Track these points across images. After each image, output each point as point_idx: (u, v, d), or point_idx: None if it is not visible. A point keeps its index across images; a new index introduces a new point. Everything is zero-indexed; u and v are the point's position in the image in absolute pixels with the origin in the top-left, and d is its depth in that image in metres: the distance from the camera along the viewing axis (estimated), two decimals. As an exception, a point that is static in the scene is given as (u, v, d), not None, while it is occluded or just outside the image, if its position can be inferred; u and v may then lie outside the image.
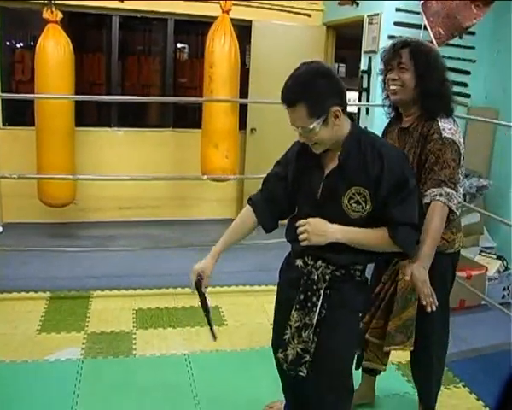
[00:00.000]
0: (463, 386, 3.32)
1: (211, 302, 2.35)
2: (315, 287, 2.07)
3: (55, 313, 3.93)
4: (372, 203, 1.98)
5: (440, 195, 2.29)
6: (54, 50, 4.90)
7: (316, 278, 2.08)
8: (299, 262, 2.16)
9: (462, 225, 2.63)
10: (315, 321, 2.07)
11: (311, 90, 1.90)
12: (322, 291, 2.07)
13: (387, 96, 2.54)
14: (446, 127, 2.36)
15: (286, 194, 2.19)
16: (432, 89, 2.36)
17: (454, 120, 2.45)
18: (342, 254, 2.04)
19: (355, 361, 2.58)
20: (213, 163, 5.13)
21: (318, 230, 1.99)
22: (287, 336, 2.16)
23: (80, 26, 6.17)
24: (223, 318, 4.02)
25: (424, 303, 2.26)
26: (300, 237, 2.01)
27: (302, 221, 2.01)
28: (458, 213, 2.48)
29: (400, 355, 3.57)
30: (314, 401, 2.22)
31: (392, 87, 2.44)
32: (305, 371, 2.11)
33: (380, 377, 3.27)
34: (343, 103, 1.97)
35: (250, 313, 4.02)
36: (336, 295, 2.08)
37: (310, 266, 2.11)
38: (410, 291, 2.50)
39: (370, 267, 2.35)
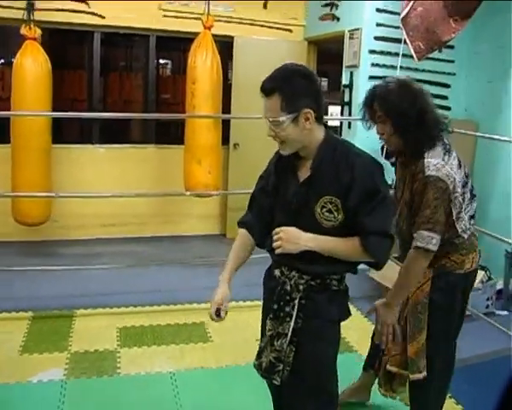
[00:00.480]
0: (450, 397, 3.31)
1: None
2: (288, 297, 2.08)
3: (38, 334, 3.87)
4: (344, 212, 1.99)
5: (416, 241, 2.35)
6: (31, 67, 4.88)
7: (289, 288, 2.09)
8: (276, 272, 2.16)
9: (477, 248, 2.61)
10: (289, 331, 2.07)
11: (288, 84, 1.94)
12: (296, 301, 2.07)
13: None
14: (431, 163, 2.34)
15: (272, 206, 2.20)
16: (410, 127, 2.36)
17: (445, 148, 2.42)
18: (316, 264, 2.04)
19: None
20: (196, 179, 5.12)
21: (292, 237, 1.99)
22: (262, 345, 2.18)
23: (61, 42, 6.17)
24: (208, 334, 3.98)
25: (377, 341, 2.39)
26: (274, 244, 2.02)
27: (277, 229, 2.02)
28: (466, 236, 2.49)
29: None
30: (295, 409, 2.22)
31: (381, 141, 2.54)
32: (279, 379, 2.11)
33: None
34: (317, 109, 1.98)
35: (235, 329, 3.99)
36: (311, 305, 2.08)
37: (284, 277, 2.11)
38: (421, 312, 2.54)
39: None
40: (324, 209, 2.00)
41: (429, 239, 2.32)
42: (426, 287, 2.54)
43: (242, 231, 2.27)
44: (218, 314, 2.18)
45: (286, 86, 1.94)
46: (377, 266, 2.11)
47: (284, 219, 2.08)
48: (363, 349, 3.82)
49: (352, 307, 4.62)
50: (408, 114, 2.34)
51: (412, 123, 2.35)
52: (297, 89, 1.95)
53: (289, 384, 2.13)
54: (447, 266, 2.49)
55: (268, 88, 1.97)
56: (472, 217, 2.55)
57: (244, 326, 4.05)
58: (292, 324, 2.07)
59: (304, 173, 2.06)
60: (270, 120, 1.99)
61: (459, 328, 2.72)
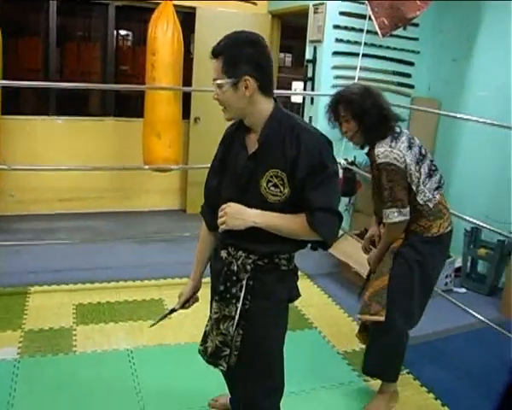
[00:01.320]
0: (408, 373, 3.35)
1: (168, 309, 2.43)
2: (235, 278, 2.03)
3: (-10, 311, 3.75)
4: (290, 187, 1.93)
5: (385, 217, 2.75)
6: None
7: (235, 268, 2.03)
8: (223, 253, 2.11)
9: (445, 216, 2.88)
10: (237, 313, 2.02)
11: (232, 49, 1.92)
12: (244, 282, 2.02)
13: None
14: (380, 152, 2.71)
15: (219, 185, 2.15)
16: (372, 122, 2.71)
17: (393, 136, 2.75)
18: (263, 244, 1.99)
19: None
20: (156, 153, 5.00)
21: (236, 213, 1.94)
22: (207, 329, 2.15)
23: (15, 9, 5.91)
24: (166, 311, 3.91)
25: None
26: (218, 221, 1.96)
27: (222, 206, 1.97)
28: (431, 205, 2.78)
29: (346, 345, 3.60)
30: (243, 394, 2.20)
31: (347, 138, 2.87)
32: (225, 364, 2.07)
33: (325, 366, 3.29)
34: (260, 79, 1.93)
35: (194, 306, 3.94)
36: (259, 285, 2.04)
37: (231, 257, 2.06)
38: (383, 264, 2.88)
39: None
40: (270, 183, 1.94)
41: (392, 214, 2.71)
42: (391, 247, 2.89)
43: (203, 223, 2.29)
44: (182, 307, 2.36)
45: (229, 51, 1.92)
46: (325, 245, 2.03)
47: (232, 194, 2.01)
48: (323, 326, 3.86)
49: (311, 284, 4.70)
50: (370, 113, 2.70)
51: (374, 120, 2.71)
52: (239, 55, 1.91)
53: (236, 367, 2.09)
54: (416, 231, 2.82)
55: (214, 51, 1.95)
56: (437, 188, 2.84)
57: (203, 303, 3.98)
58: (239, 306, 2.02)
59: (252, 147, 2.01)
60: (213, 81, 1.97)
61: (427, 296, 2.98)
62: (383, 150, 2.70)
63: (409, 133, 2.85)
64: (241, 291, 2.02)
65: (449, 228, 2.87)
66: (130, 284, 4.34)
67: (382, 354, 2.92)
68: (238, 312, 2.02)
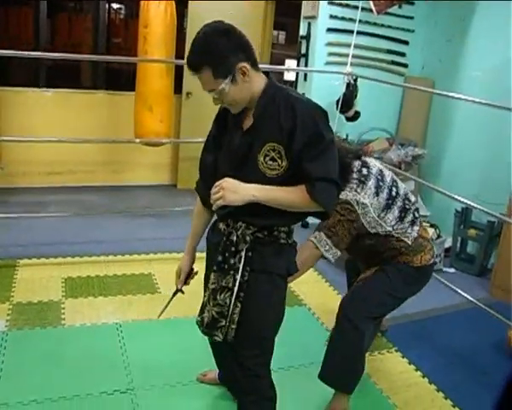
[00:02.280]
0: (396, 351, 3.38)
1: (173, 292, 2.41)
2: (234, 248, 2.02)
3: (-22, 283, 3.72)
4: (287, 159, 1.91)
5: (314, 237, 2.60)
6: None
7: (235, 238, 2.02)
8: (221, 225, 2.10)
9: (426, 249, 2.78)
10: (236, 284, 2.01)
11: (212, 51, 1.84)
12: (243, 253, 2.01)
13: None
14: (344, 194, 2.58)
15: (214, 162, 2.13)
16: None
17: (359, 180, 2.62)
18: (261, 217, 1.98)
19: None
20: (147, 127, 4.95)
21: (233, 187, 1.89)
22: (205, 299, 2.14)
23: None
24: (156, 285, 3.92)
25: None
26: (215, 196, 1.91)
27: (218, 182, 1.93)
28: (409, 241, 2.68)
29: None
30: (235, 367, 2.20)
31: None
32: (221, 336, 2.08)
33: (314, 343, 3.30)
34: (250, 58, 1.90)
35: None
36: (258, 257, 2.03)
37: (230, 228, 2.05)
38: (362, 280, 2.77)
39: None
40: (267, 158, 1.92)
41: (324, 244, 2.58)
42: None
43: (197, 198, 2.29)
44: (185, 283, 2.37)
45: (210, 55, 1.84)
46: (325, 215, 2.02)
47: (228, 170, 1.98)
48: (313, 303, 3.88)
49: (302, 261, 4.64)
50: None
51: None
52: (222, 51, 1.84)
53: (231, 342, 2.10)
54: (400, 261, 2.70)
55: (194, 65, 1.88)
56: (412, 224, 2.71)
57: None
58: (238, 277, 2.01)
59: (247, 123, 1.98)
60: (211, 92, 1.91)
61: (384, 312, 2.87)
62: (348, 193, 2.58)
63: (378, 172, 2.68)
64: (239, 262, 2.01)
65: (431, 261, 2.78)
66: (120, 258, 4.33)
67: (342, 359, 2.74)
68: (237, 284, 2.01)
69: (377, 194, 2.61)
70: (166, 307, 2.38)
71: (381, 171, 2.71)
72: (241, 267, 2.01)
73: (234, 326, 2.06)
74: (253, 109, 1.96)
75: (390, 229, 2.64)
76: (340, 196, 2.49)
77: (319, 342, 3.35)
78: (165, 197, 5.95)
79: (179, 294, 2.39)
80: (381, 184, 2.64)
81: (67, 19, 6.32)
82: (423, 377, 3.14)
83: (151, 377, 2.90)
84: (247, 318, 2.05)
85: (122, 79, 6.57)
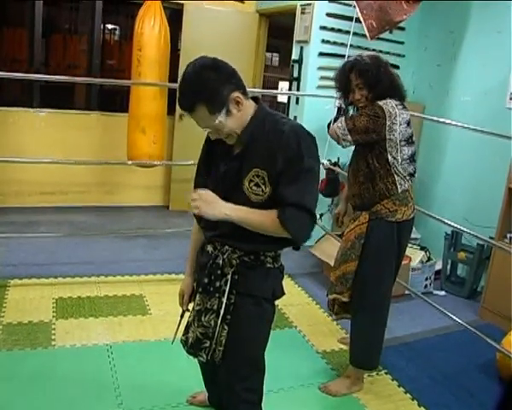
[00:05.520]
0: (386, 373, 3.39)
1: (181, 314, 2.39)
2: (219, 271, 2.03)
3: (-32, 303, 3.71)
4: (270, 185, 1.91)
5: (337, 124, 2.99)
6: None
7: (221, 262, 2.03)
8: (209, 248, 2.12)
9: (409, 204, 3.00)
10: (222, 307, 2.02)
11: (204, 87, 1.83)
12: (229, 277, 2.03)
13: (352, 104, 3.08)
14: (382, 102, 2.83)
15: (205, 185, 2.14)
16: (384, 90, 2.85)
17: (402, 104, 2.90)
18: (246, 242, 1.98)
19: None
20: (140, 149, 4.98)
21: (210, 201, 1.90)
22: (190, 319, 2.16)
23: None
24: (147, 307, 3.92)
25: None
26: (193, 204, 1.91)
27: (199, 191, 1.94)
28: (400, 189, 2.90)
29: (325, 344, 3.62)
30: (224, 389, 2.21)
31: (360, 105, 2.93)
32: (205, 356, 2.08)
33: (304, 365, 3.30)
34: (240, 86, 1.91)
35: (174, 301, 3.89)
36: (244, 281, 2.03)
37: (217, 251, 2.07)
38: (350, 248, 2.98)
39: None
40: (252, 183, 1.92)
41: (344, 132, 2.91)
42: (358, 229, 2.98)
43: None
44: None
45: (203, 92, 1.83)
46: (295, 243, 1.99)
47: (217, 194, 1.97)
48: (303, 325, 3.88)
49: (292, 284, 4.71)
50: (383, 82, 2.84)
51: (386, 89, 2.85)
52: (214, 85, 1.83)
53: (219, 364, 2.10)
54: (382, 213, 2.91)
55: (188, 105, 1.87)
56: (411, 175, 2.96)
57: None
58: (224, 300, 2.02)
59: (236, 148, 2.00)
60: (205, 129, 1.92)
61: (394, 279, 3.12)
62: (385, 102, 2.84)
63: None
64: (226, 285, 2.02)
65: (411, 215, 3.00)
66: (111, 280, 4.32)
67: (366, 343, 3.10)
68: (223, 306, 2.02)
69: (408, 125, 2.89)
70: (177, 330, 2.36)
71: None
72: (227, 290, 2.02)
73: (221, 348, 2.07)
74: (242, 133, 1.96)
75: (400, 160, 2.87)
76: (380, 102, 2.82)
77: (309, 364, 3.37)
78: (158, 218, 5.96)
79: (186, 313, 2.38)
80: (410, 123, 2.93)
81: (62, 39, 6.36)
82: (413, 399, 3.14)
83: (141, 398, 2.89)
84: (234, 340, 2.06)
85: (116, 101, 6.60)
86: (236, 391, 2.14)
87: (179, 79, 1.92)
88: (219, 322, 2.04)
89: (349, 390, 3.13)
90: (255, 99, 2.02)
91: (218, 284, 2.03)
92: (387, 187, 2.88)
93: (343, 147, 3.06)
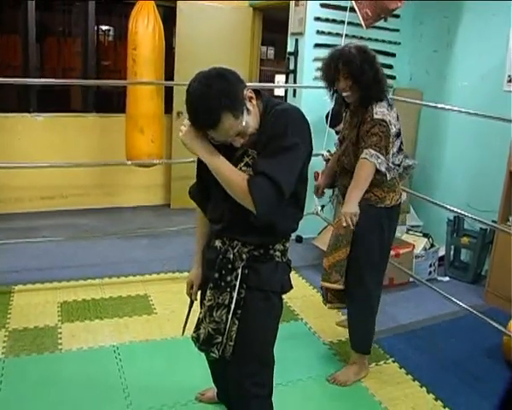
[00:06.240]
0: (393, 362, 3.38)
1: (189, 306, 2.41)
2: (230, 266, 2.04)
3: (-27, 311, 3.71)
4: None
5: (366, 154, 2.84)
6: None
7: (231, 256, 2.04)
8: (217, 243, 2.11)
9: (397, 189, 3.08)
10: (233, 301, 2.03)
11: (223, 96, 1.78)
12: (239, 271, 2.03)
13: (341, 96, 3.11)
14: (379, 111, 2.90)
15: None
16: (368, 82, 2.89)
17: (388, 104, 2.97)
18: (254, 235, 2.00)
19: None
20: (139, 148, 4.98)
21: (192, 134, 1.90)
22: (201, 316, 2.14)
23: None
24: (152, 306, 3.92)
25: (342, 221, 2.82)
26: (180, 131, 1.94)
27: (186, 121, 1.95)
28: (389, 177, 2.95)
29: (332, 335, 3.62)
30: (233, 385, 2.21)
31: (345, 94, 3.00)
32: (217, 352, 2.08)
33: (311, 357, 3.30)
34: (245, 83, 1.91)
35: (179, 300, 3.88)
36: (254, 275, 2.04)
37: (226, 245, 2.07)
38: (341, 234, 3.03)
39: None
40: (242, 164, 1.93)
41: (376, 157, 2.83)
42: None
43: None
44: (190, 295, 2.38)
45: (223, 101, 1.78)
46: (255, 216, 1.89)
47: (216, 189, 1.99)
48: (309, 317, 3.88)
49: (296, 276, 4.71)
50: (367, 73, 2.89)
51: (369, 80, 2.89)
52: (229, 90, 1.80)
53: (229, 359, 2.10)
54: (371, 200, 2.98)
55: (213, 121, 1.80)
56: (398, 165, 3.07)
57: (188, 297, 3.99)
58: (235, 294, 2.03)
59: (243, 141, 1.94)
60: (237, 134, 1.87)
61: (385, 264, 3.19)
62: (382, 110, 2.90)
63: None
64: (236, 280, 2.03)
65: (399, 200, 3.09)
66: (115, 281, 4.32)
67: (365, 329, 3.17)
68: (234, 301, 2.03)
69: (397, 119, 3.01)
70: (187, 321, 2.37)
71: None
72: (237, 284, 2.03)
73: (232, 343, 2.07)
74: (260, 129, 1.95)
75: (391, 153, 2.96)
76: (377, 116, 2.88)
77: (316, 355, 3.37)
78: (159, 217, 5.96)
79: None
80: (398, 117, 3.04)
81: (57, 43, 6.35)
82: (421, 386, 3.14)
83: (150, 398, 2.89)
84: (243, 335, 2.06)
85: (112, 102, 6.59)
86: (246, 386, 2.14)
87: (186, 100, 1.87)
88: (230, 317, 2.04)
89: (358, 376, 3.15)
90: (256, 92, 2.01)
91: (228, 278, 2.03)
92: (377, 177, 2.92)
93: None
